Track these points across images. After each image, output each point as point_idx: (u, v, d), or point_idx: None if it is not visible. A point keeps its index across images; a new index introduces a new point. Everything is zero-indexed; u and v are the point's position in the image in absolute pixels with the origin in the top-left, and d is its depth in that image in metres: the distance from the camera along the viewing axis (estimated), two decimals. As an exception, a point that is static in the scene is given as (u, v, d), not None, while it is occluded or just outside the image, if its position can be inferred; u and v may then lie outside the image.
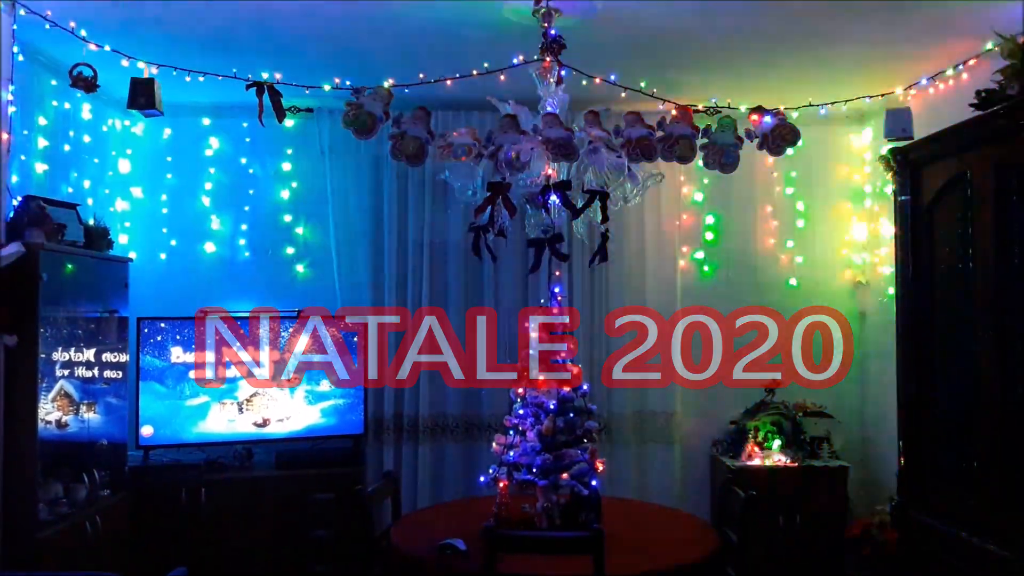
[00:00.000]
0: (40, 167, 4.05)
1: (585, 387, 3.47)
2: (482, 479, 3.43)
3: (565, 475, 3.17)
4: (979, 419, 3.32)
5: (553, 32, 3.11)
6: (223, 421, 4.72)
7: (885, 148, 4.06)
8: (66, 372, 3.68)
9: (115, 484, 4.06)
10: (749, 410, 5.15)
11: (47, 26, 3.44)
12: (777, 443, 4.96)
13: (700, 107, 3.29)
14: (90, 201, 4.53)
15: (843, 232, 5.41)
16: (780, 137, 3.11)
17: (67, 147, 4.33)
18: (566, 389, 3.33)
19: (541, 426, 3.24)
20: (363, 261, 5.11)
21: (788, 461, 4.89)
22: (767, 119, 3.13)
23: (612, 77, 3.44)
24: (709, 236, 5.43)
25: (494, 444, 3.42)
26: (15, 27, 3.39)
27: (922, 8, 3.46)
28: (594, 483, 3.23)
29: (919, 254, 3.78)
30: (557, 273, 3.50)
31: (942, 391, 3.68)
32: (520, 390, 3.37)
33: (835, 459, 4.99)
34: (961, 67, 3.96)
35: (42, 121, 4.08)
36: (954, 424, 3.56)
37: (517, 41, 3.33)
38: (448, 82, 3.48)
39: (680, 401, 5.25)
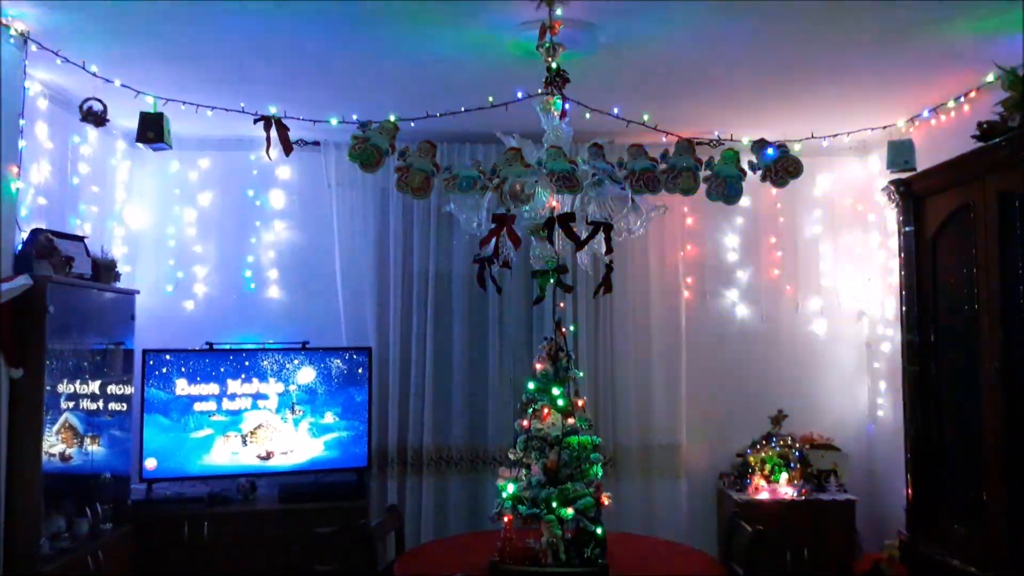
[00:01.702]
0: (49, 200, 4.09)
1: (590, 419, 3.45)
2: (491, 513, 3.39)
3: (570, 509, 3.14)
4: (987, 452, 3.29)
5: (557, 66, 3.14)
6: (227, 454, 4.70)
7: (889, 179, 4.07)
8: (71, 404, 3.68)
9: (118, 518, 4.03)
10: (755, 442, 5.12)
11: (58, 61, 3.49)
12: (784, 476, 4.92)
13: (703, 139, 3.31)
14: (98, 233, 4.56)
15: (848, 262, 5.41)
16: (783, 169, 3.12)
17: (76, 180, 4.37)
18: (571, 421, 3.31)
19: (546, 459, 3.22)
20: (368, 292, 5.12)
21: (795, 494, 4.85)
22: (770, 151, 3.15)
23: (615, 110, 3.47)
24: (713, 265, 5.43)
25: (499, 478, 3.40)
26: (27, 62, 3.45)
27: (923, 41, 3.50)
28: (599, 518, 3.19)
29: (924, 284, 3.78)
30: (561, 305, 3.50)
31: (949, 423, 3.66)
32: (525, 423, 3.36)
33: (843, 492, 4.94)
34: (962, 99, 3.99)
35: (52, 154, 4.12)
36: (962, 457, 3.53)
37: (522, 75, 3.37)
38: (453, 116, 3.51)
39: (686, 433, 5.22)
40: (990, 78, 3.62)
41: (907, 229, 3.87)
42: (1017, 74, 3.25)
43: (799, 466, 4.96)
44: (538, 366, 3.46)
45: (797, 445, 5.06)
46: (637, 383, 5.20)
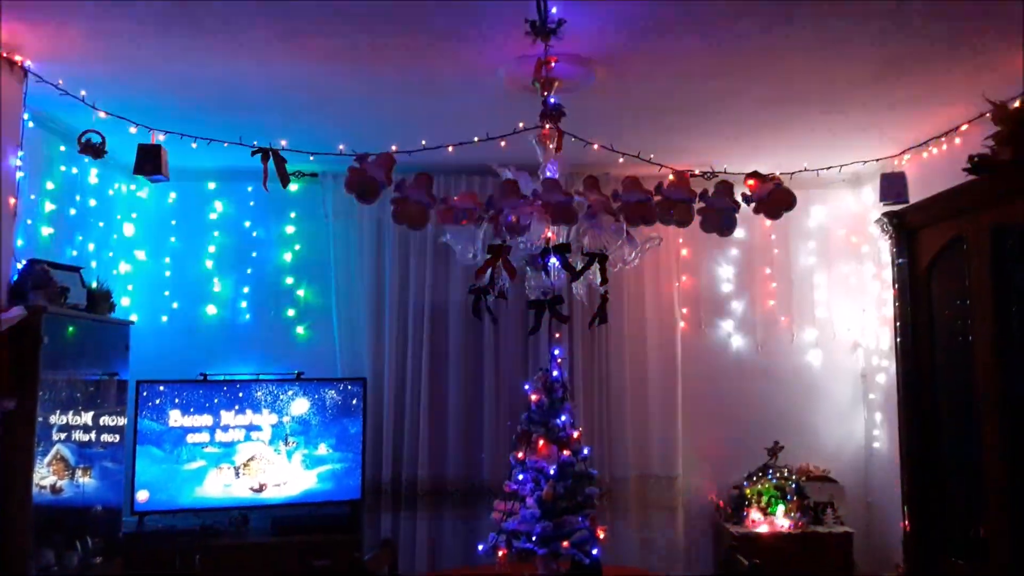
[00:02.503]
0: (46, 230, 4.10)
1: (586, 451, 3.44)
2: (481, 547, 3.36)
3: (566, 543, 3.12)
4: (985, 484, 3.28)
5: (553, 100, 3.17)
6: (219, 486, 4.66)
7: (882, 211, 4.10)
8: (63, 436, 3.65)
9: (109, 550, 3.98)
10: (752, 474, 5.09)
11: (58, 93, 3.51)
12: (780, 508, 4.89)
13: (697, 172, 3.33)
14: (94, 264, 4.56)
15: (842, 293, 5.43)
16: (777, 201, 3.14)
17: (73, 211, 4.38)
18: (566, 453, 3.29)
19: (541, 492, 3.20)
20: (364, 323, 5.12)
21: (792, 527, 4.82)
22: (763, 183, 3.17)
23: (610, 143, 3.50)
24: (708, 297, 5.44)
25: (493, 511, 3.37)
26: (25, 93, 3.47)
27: (915, 75, 3.55)
28: (595, 551, 3.17)
29: (919, 316, 3.80)
30: (557, 335, 3.51)
31: (946, 455, 3.65)
32: (520, 454, 3.34)
33: (840, 525, 4.91)
34: (954, 132, 4.03)
35: (49, 185, 4.14)
36: (960, 489, 3.52)
37: (517, 108, 3.40)
38: (450, 148, 3.54)
39: (682, 465, 5.19)
40: (981, 112, 3.66)
41: (900, 261, 3.90)
42: (1007, 109, 3.29)
43: (796, 498, 4.94)
44: (533, 397, 3.45)
45: (794, 477, 5.04)
46: (633, 414, 5.19)
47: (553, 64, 3.05)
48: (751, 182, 3.21)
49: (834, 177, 4.83)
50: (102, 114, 3.61)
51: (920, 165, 4.41)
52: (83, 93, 3.52)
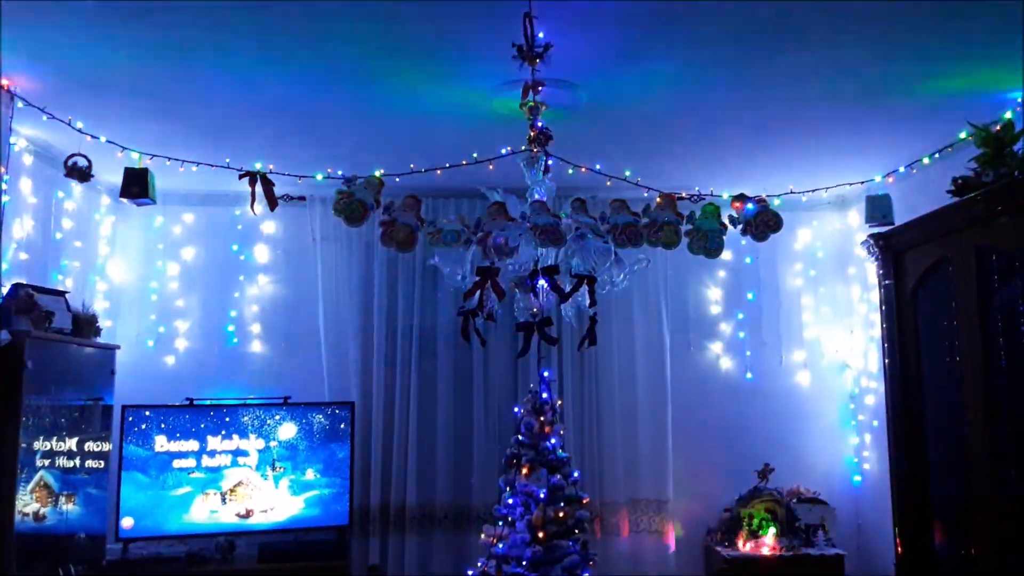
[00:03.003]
0: (31, 255, 4.07)
1: (576, 474, 3.42)
2: (470, 573, 3.33)
3: (557, 568, 3.09)
4: (973, 504, 3.28)
5: (540, 124, 3.19)
6: (206, 512, 4.60)
7: (868, 232, 4.13)
8: (47, 462, 3.60)
9: (92, 579, 3.92)
10: (742, 497, 5.07)
11: (44, 118, 3.51)
12: (772, 531, 4.87)
13: (684, 194, 3.35)
14: (80, 288, 4.53)
15: (830, 314, 5.45)
16: (763, 223, 3.17)
17: (59, 235, 4.36)
18: (556, 477, 3.28)
19: (531, 516, 3.18)
20: (352, 346, 5.09)
21: (783, 549, 4.79)
22: (750, 206, 3.19)
23: (597, 166, 3.52)
24: (696, 319, 5.45)
25: (483, 535, 3.35)
26: (12, 117, 3.46)
27: (898, 98, 3.59)
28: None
29: (906, 337, 3.81)
30: (546, 358, 3.50)
31: (935, 476, 3.65)
32: (509, 478, 3.32)
33: (831, 547, 4.89)
34: (937, 155, 4.08)
35: (35, 209, 4.12)
36: (949, 510, 3.52)
37: (506, 132, 3.42)
38: (438, 171, 3.54)
39: (672, 488, 5.17)
40: (963, 135, 3.71)
41: (887, 282, 3.92)
42: (989, 131, 3.33)
43: (786, 521, 4.92)
44: (523, 420, 3.44)
45: (784, 499, 5.02)
46: (623, 437, 5.17)
47: (540, 88, 3.07)
48: (738, 204, 3.24)
49: (820, 200, 4.86)
50: (88, 138, 3.61)
51: (905, 187, 4.44)
52: (69, 118, 3.52)
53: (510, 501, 3.28)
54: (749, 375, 5.37)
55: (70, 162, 3.55)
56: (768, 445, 5.25)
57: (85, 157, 3.56)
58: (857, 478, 5.29)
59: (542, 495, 3.21)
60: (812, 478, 5.24)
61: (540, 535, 3.12)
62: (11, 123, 3.47)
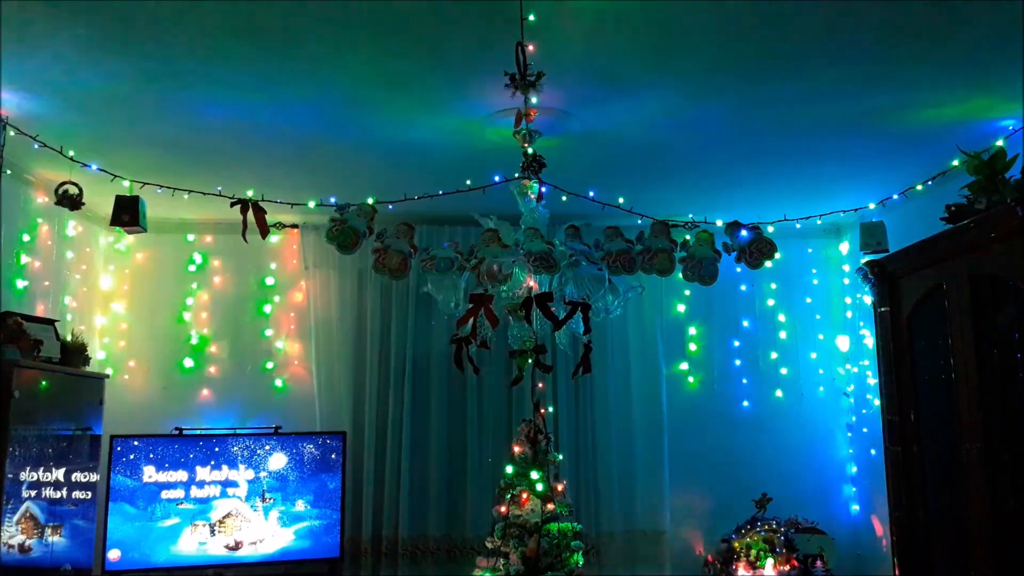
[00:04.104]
0: (21, 283, 4.04)
1: (571, 504, 3.37)
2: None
3: (551, 599, 3.04)
4: (972, 532, 3.24)
5: (532, 152, 3.18)
6: (194, 544, 4.53)
7: (863, 260, 4.12)
8: (33, 493, 3.54)
9: (77, 614, 3.84)
10: (740, 527, 5.01)
11: (36, 146, 3.49)
12: (770, 562, 4.80)
13: (678, 222, 3.35)
14: (70, 317, 4.49)
15: (826, 343, 5.43)
16: (757, 250, 3.15)
17: (50, 263, 4.33)
18: (551, 507, 3.23)
19: (524, 547, 3.12)
20: (344, 375, 5.05)
21: (782, 581, 4.73)
22: (744, 233, 3.18)
23: (591, 193, 3.51)
24: (693, 347, 5.43)
25: (476, 568, 3.29)
26: (3, 144, 3.45)
27: (891, 126, 3.61)
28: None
29: (902, 364, 3.79)
30: (540, 385, 3.46)
31: (933, 504, 3.61)
32: (503, 509, 3.27)
33: (830, 577, 4.83)
34: (931, 182, 4.08)
35: (25, 237, 4.10)
36: (948, 538, 3.47)
37: (499, 159, 3.42)
38: (431, 199, 3.53)
39: (670, 519, 5.11)
40: (955, 162, 3.72)
41: (882, 310, 3.90)
42: (981, 159, 3.34)
43: (785, 551, 4.86)
44: (516, 449, 3.40)
45: (782, 529, 4.96)
46: (619, 467, 5.11)
47: (533, 116, 3.07)
48: (732, 231, 3.23)
49: (814, 227, 4.86)
50: (80, 165, 3.60)
51: (899, 214, 4.45)
52: (60, 145, 3.51)
53: (503, 532, 3.23)
54: (746, 403, 5.35)
55: (61, 190, 3.53)
56: (766, 475, 5.20)
57: (76, 185, 3.54)
58: (855, 507, 5.25)
59: (536, 525, 3.16)
60: (811, 508, 5.18)
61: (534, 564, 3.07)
62: (3, 151, 3.45)
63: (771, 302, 5.46)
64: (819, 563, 4.86)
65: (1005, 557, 3.05)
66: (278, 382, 5.14)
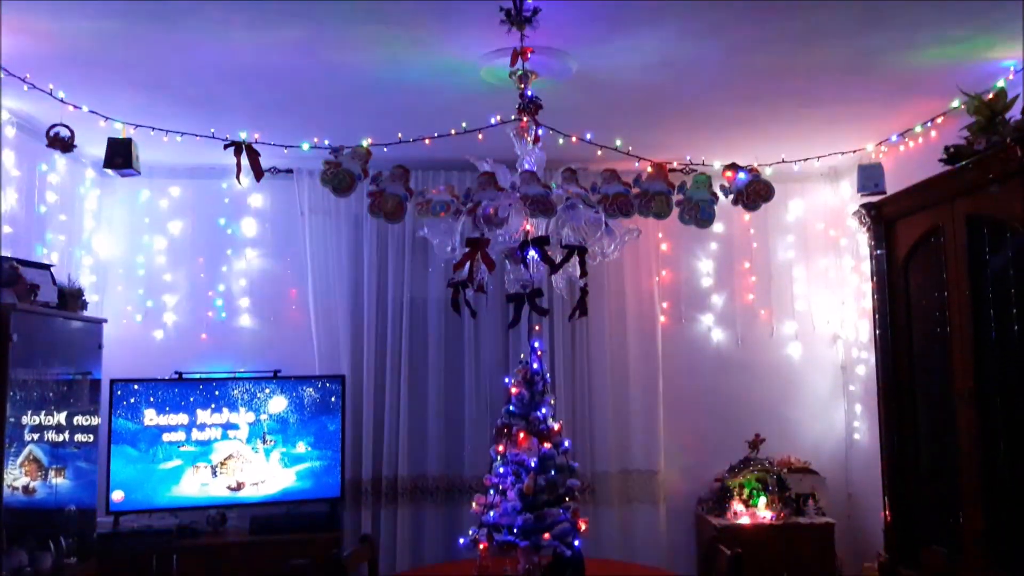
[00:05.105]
0: (15, 228, 4.02)
1: (567, 444, 3.42)
2: (461, 541, 3.34)
3: (547, 535, 3.10)
4: (962, 473, 3.30)
5: (530, 93, 3.15)
6: (196, 485, 4.60)
7: (859, 203, 4.11)
8: (35, 436, 3.58)
9: (83, 552, 3.91)
10: (733, 467, 5.10)
11: (25, 88, 3.45)
12: (762, 500, 4.90)
13: (675, 164, 3.32)
14: (65, 262, 4.48)
15: (822, 285, 5.45)
16: (755, 193, 3.14)
17: (43, 208, 4.31)
18: (547, 446, 3.28)
19: (522, 485, 3.18)
20: (342, 319, 5.06)
21: (773, 518, 4.83)
22: (741, 175, 3.17)
23: (588, 136, 3.48)
24: (688, 291, 5.44)
25: (474, 504, 3.35)
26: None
27: (891, 67, 3.56)
28: (577, 543, 3.15)
29: (897, 307, 3.81)
30: (537, 328, 3.49)
31: (925, 445, 3.67)
32: (500, 448, 3.32)
33: (821, 515, 4.93)
34: (930, 123, 4.06)
35: (18, 182, 4.06)
36: (938, 479, 3.54)
37: (494, 102, 3.37)
38: (427, 142, 3.50)
39: (664, 459, 5.19)
40: (955, 103, 3.68)
41: (878, 252, 3.91)
42: (982, 99, 3.31)
43: (777, 490, 4.95)
44: (513, 390, 3.43)
45: (775, 469, 5.05)
46: (614, 408, 5.18)
47: (529, 55, 3.02)
48: (729, 174, 3.22)
49: (812, 170, 4.84)
50: (71, 108, 3.55)
51: (897, 156, 4.42)
52: (50, 87, 3.45)
53: (501, 470, 3.28)
54: (739, 344, 5.39)
55: (52, 132, 3.48)
56: (759, 416, 5.28)
57: (67, 127, 3.49)
58: (848, 447, 5.33)
59: (533, 464, 3.21)
60: (803, 448, 5.28)
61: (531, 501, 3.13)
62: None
63: (767, 245, 5.45)
64: (811, 502, 4.96)
65: (994, 498, 3.11)
66: (277, 327, 5.15)
